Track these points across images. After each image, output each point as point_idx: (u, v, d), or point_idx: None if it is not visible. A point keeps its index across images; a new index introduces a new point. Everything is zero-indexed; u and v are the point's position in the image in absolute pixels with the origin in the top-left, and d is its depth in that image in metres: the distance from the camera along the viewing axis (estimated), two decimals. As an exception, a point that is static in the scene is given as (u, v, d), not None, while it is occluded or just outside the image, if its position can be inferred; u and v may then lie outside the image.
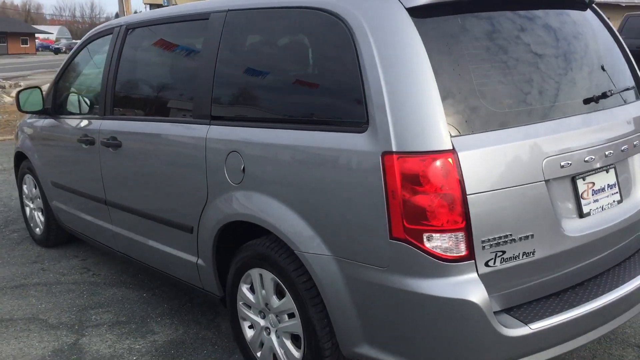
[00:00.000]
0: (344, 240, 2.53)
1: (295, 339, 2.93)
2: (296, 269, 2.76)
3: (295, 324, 2.84)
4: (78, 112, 4.48)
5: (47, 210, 5.06)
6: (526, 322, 2.41)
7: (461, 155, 2.31)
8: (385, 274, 2.41)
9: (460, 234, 2.30)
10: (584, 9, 3.09)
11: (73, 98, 4.55)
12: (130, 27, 3.90)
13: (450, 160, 2.29)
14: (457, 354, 2.36)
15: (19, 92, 4.62)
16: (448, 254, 2.31)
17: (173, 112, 3.53)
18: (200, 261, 3.33)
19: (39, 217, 5.26)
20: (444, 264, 2.31)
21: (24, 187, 5.40)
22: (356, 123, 2.47)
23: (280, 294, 2.92)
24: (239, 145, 2.93)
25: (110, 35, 4.08)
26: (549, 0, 2.89)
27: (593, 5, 3.17)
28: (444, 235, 2.30)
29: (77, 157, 4.27)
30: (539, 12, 2.82)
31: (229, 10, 3.13)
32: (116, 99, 3.92)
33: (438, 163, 2.29)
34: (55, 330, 3.79)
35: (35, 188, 5.19)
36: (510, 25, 2.67)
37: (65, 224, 4.85)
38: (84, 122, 4.24)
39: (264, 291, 2.97)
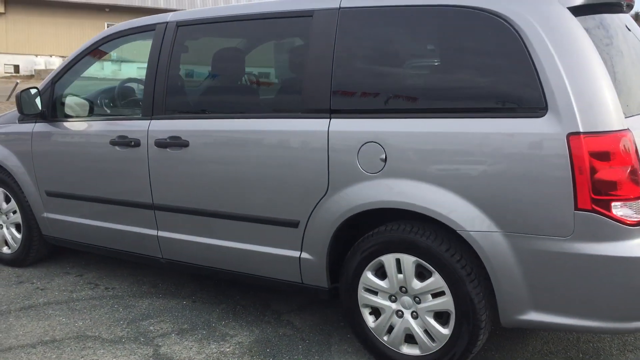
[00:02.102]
0: (517, 216, 2.78)
1: (437, 317, 3.09)
2: (448, 249, 2.95)
3: (443, 302, 3.01)
4: (98, 113, 4.22)
5: (28, 225, 4.61)
6: None
7: (635, 133, 2.70)
8: (568, 242, 2.71)
9: None
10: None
11: (86, 100, 4.25)
12: (183, 24, 3.78)
13: (630, 137, 2.66)
14: (635, 305, 2.72)
15: (21, 92, 4.20)
16: (632, 219, 2.67)
17: (266, 108, 3.52)
18: (305, 255, 3.36)
19: (11, 234, 4.76)
20: (629, 228, 2.66)
21: (-19, 202, 4.85)
22: (532, 109, 2.74)
23: (420, 276, 3.07)
24: (379, 136, 3.05)
25: (150, 32, 3.92)
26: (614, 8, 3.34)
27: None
28: (629, 203, 2.66)
29: (104, 161, 4.01)
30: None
31: (340, 7, 3.24)
32: (173, 98, 3.78)
33: (624, 140, 2.65)
34: (120, 345, 3.55)
35: (7, 202, 4.70)
36: (623, 26, 3.13)
37: (62, 237, 4.48)
38: (115, 124, 4.00)
39: (400, 275, 3.10)
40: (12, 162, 4.54)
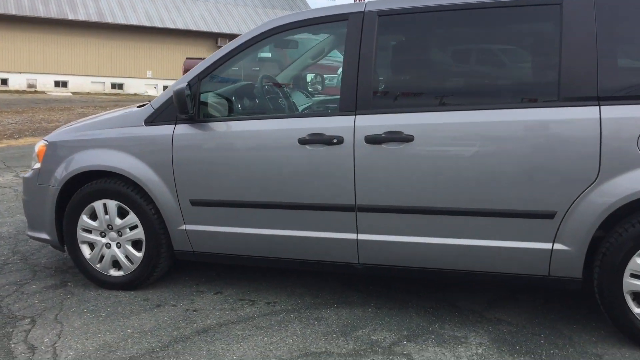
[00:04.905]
0: None
1: None
2: None
3: None
4: (260, 112, 3.91)
5: (155, 241, 4.07)
6: None
7: None
8: None
9: None
10: None
11: (240, 98, 3.90)
12: (386, 14, 3.58)
13: None
14: None
15: (181, 89, 3.70)
16: None
17: (509, 98, 3.42)
18: (559, 246, 3.33)
19: (125, 253, 4.17)
20: None
21: (83, 217, 4.21)
22: None
23: None
24: None
25: (339, 23, 3.67)
26: None
27: None
28: None
29: (288, 162, 3.67)
30: None
31: None
32: (387, 91, 3.59)
33: None
34: (367, 358, 3.28)
35: (123, 216, 4.13)
36: None
37: (205, 250, 4.03)
38: (300, 121, 3.70)
39: None
40: (140, 171, 3.99)
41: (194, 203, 3.92)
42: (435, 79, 3.69)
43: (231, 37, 33.18)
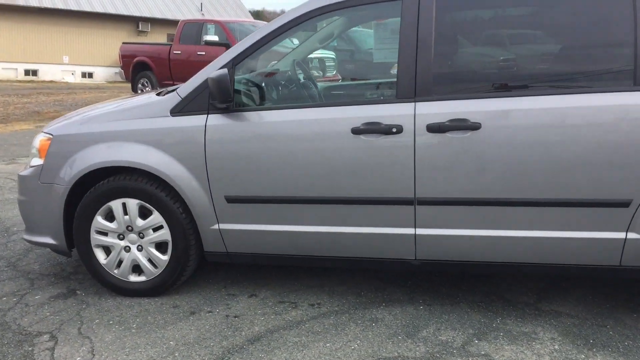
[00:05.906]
0: None
1: None
2: None
3: None
4: (308, 99, 3.67)
5: (184, 242, 3.72)
6: None
7: None
8: None
9: None
10: None
11: (291, 84, 3.60)
12: (444, -8, 3.37)
13: None
14: None
15: (220, 77, 3.35)
16: None
17: (583, 82, 3.27)
18: (632, 235, 3.24)
19: (148, 256, 3.79)
20: None
21: (98, 218, 3.79)
22: None
23: None
24: None
25: (391, 3, 3.42)
26: None
27: None
28: None
29: (340, 153, 3.41)
30: None
31: None
32: (449, 76, 3.37)
33: None
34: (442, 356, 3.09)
35: (146, 217, 3.75)
36: None
37: (242, 251, 3.71)
38: (351, 110, 3.44)
39: None
40: (168, 166, 3.62)
41: (230, 200, 3.60)
42: (502, 62, 3.50)
43: (153, 21, 32.13)
